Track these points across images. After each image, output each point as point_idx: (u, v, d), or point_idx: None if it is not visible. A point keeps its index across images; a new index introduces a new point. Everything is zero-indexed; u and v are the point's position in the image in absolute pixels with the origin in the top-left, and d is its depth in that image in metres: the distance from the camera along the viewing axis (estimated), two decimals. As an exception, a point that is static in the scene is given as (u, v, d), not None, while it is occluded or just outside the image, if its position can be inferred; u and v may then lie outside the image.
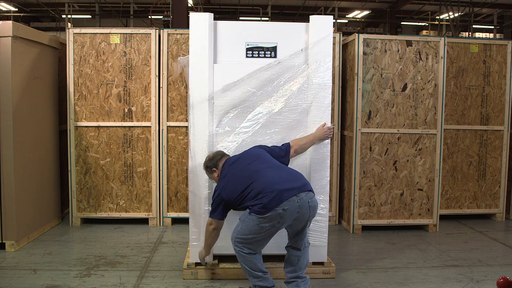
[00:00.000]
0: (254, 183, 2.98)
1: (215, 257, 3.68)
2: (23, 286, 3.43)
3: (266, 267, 3.56)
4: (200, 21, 3.52)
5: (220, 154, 3.34)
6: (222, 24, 3.64)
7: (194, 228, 3.61)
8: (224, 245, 3.64)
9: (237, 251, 3.08)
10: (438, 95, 4.90)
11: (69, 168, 5.01)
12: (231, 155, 3.38)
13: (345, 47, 5.19)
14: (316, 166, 3.58)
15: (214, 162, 3.29)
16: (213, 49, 3.57)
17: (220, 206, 3.12)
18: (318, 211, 3.58)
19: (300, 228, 3.07)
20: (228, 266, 3.63)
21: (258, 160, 3.15)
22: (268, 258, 3.62)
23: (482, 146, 5.40)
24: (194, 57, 3.53)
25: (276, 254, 3.58)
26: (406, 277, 3.72)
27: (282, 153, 3.32)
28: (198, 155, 3.55)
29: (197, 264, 3.62)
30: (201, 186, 3.56)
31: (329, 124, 3.55)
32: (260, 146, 3.36)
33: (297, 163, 3.56)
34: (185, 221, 4.75)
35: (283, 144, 3.40)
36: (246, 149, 3.35)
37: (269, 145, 3.42)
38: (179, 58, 3.84)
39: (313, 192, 3.06)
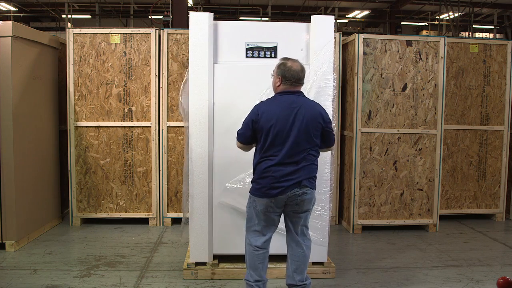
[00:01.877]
0: (270, 158, 2.89)
1: (215, 257, 3.68)
2: (23, 286, 3.43)
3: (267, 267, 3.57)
4: (200, 21, 3.52)
5: (300, 82, 3.01)
6: (222, 24, 3.64)
7: (193, 231, 3.60)
8: (224, 245, 3.64)
9: (247, 244, 3.07)
10: (438, 95, 4.90)
11: (69, 168, 5.01)
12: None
13: (345, 47, 5.19)
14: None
15: (289, 78, 2.96)
16: (213, 49, 3.57)
17: (249, 128, 2.96)
18: (318, 211, 3.60)
19: (292, 211, 3.00)
20: (228, 266, 3.63)
21: (300, 136, 2.89)
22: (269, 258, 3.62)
23: (482, 146, 5.40)
24: (194, 57, 3.53)
25: (276, 254, 3.58)
26: (406, 277, 3.72)
27: (328, 143, 3.09)
28: (196, 155, 3.55)
29: (197, 264, 3.62)
30: (200, 186, 3.56)
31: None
32: (323, 118, 2.99)
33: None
34: (185, 221, 4.76)
35: (333, 134, 3.12)
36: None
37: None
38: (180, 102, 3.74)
39: (310, 187, 2.97)
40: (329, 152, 3.57)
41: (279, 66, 3.02)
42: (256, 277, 3.06)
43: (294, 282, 3.10)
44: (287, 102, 2.95)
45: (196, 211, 3.58)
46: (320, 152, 3.26)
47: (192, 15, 3.54)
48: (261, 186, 2.92)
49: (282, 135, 2.89)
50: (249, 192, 3.04)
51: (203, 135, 3.54)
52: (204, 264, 3.62)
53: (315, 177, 3.05)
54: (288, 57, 3.07)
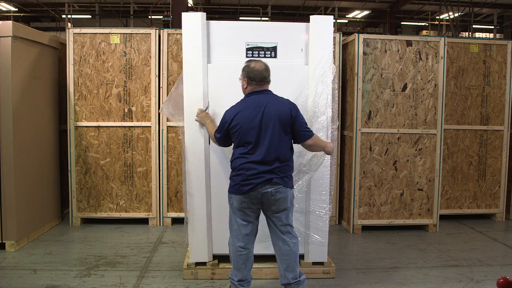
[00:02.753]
0: (245, 157, 2.98)
1: (215, 257, 3.68)
2: (23, 286, 3.43)
3: (267, 267, 3.58)
4: (192, 21, 3.51)
5: (266, 80, 3.09)
6: (222, 24, 3.65)
7: (193, 231, 3.60)
8: (224, 245, 3.63)
9: (230, 244, 3.14)
10: (438, 95, 4.90)
11: (69, 168, 5.01)
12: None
13: (345, 47, 5.19)
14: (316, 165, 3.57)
15: (254, 78, 3.05)
16: (214, 49, 3.57)
17: (222, 132, 3.11)
18: (318, 211, 3.60)
19: (270, 211, 3.04)
20: (228, 266, 3.62)
21: (270, 133, 2.96)
22: (268, 258, 3.62)
23: (482, 146, 5.40)
24: (187, 57, 3.52)
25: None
26: (406, 277, 3.72)
27: (300, 138, 3.09)
28: (192, 155, 3.53)
29: (197, 264, 3.63)
30: (197, 186, 3.55)
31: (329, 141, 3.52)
32: (291, 112, 3.03)
33: (299, 161, 3.54)
34: (185, 221, 4.75)
35: (308, 130, 3.11)
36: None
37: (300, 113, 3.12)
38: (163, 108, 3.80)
39: (283, 185, 2.99)
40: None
41: (243, 69, 3.13)
42: (239, 276, 3.12)
43: (288, 281, 3.11)
44: (254, 102, 3.04)
45: (195, 211, 3.57)
46: (315, 153, 3.34)
47: (185, 15, 3.54)
48: (235, 183, 3.01)
49: (252, 134, 2.97)
50: (228, 191, 3.11)
51: (198, 134, 3.53)
52: (204, 264, 3.63)
53: (290, 176, 3.09)
54: (252, 59, 3.18)
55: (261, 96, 3.07)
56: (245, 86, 3.13)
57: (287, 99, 3.13)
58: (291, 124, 3.04)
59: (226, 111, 3.11)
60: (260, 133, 2.97)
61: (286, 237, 3.09)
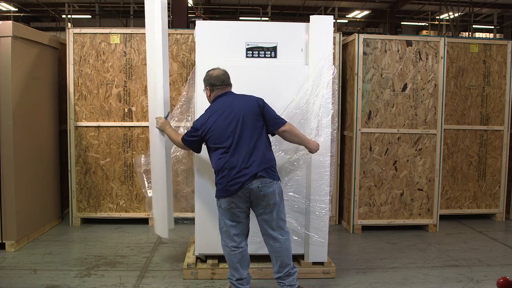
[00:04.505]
0: (223, 157, 3.01)
1: (215, 257, 3.68)
2: (23, 286, 3.43)
3: (267, 267, 3.58)
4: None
5: (226, 83, 3.19)
6: (223, 24, 3.66)
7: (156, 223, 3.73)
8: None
9: (223, 246, 3.17)
10: (438, 95, 4.90)
11: (69, 168, 5.00)
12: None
13: (345, 47, 5.19)
14: (316, 165, 3.57)
15: (215, 83, 3.17)
16: (211, 49, 3.60)
17: (196, 139, 3.15)
18: (318, 212, 3.60)
19: (260, 208, 3.05)
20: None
21: (242, 128, 3.02)
22: (268, 258, 3.61)
23: (482, 146, 5.40)
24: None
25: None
26: (406, 277, 3.72)
27: (274, 126, 3.13)
28: (156, 153, 3.61)
29: (196, 263, 3.62)
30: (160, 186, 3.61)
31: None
32: (258, 103, 3.11)
33: (297, 160, 3.54)
34: (185, 221, 4.75)
35: (280, 117, 3.17)
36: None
37: (268, 104, 3.18)
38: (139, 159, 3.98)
39: (268, 177, 3.00)
40: (328, 151, 3.56)
41: (204, 80, 3.25)
42: (237, 276, 3.14)
43: (281, 275, 3.16)
44: (221, 103, 3.13)
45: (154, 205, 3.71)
46: (297, 148, 3.40)
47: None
48: (223, 186, 3.02)
49: (227, 133, 3.02)
50: (215, 196, 3.12)
51: (156, 131, 3.59)
52: (204, 262, 3.62)
53: (273, 167, 3.08)
54: (210, 68, 3.25)
55: (226, 97, 3.17)
56: (209, 94, 3.23)
57: (251, 95, 3.20)
58: (261, 114, 3.10)
59: (195, 121, 3.19)
60: (235, 130, 3.01)
61: (277, 234, 3.11)
